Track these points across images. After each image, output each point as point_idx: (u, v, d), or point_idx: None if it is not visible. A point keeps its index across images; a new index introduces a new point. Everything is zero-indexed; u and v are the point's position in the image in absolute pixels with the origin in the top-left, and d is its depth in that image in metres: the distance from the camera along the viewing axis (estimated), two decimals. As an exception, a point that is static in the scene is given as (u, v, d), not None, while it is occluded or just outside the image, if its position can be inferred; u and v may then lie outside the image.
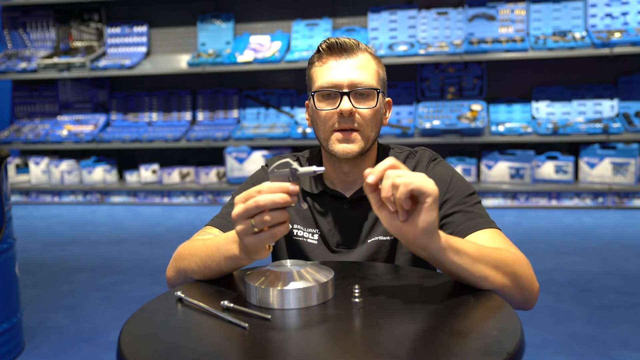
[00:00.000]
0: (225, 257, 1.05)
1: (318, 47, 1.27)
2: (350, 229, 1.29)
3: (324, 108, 1.24)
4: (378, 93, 1.24)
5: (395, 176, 0.91)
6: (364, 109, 1.23)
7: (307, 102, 1.32)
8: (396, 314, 0.91)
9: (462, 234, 1.16)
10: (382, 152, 1.35)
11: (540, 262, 3.45)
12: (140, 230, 4.58)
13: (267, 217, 0.93)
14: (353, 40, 1.26)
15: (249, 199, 0.94)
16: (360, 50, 1.25)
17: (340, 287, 1.01)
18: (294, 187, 0.93)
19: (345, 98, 1.22)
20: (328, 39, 1.26)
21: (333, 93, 1.23)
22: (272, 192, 0.93)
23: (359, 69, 1.23)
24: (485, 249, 1.02)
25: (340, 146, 1.23)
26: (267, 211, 0.94)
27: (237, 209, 0.96)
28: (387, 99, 1.32)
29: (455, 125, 4.98)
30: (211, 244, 1.10)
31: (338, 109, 1.22)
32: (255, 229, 0.95)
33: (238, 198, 0.96)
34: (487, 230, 1.16)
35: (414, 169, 1.30)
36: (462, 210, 1.20)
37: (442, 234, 0.96)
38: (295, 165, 0.93)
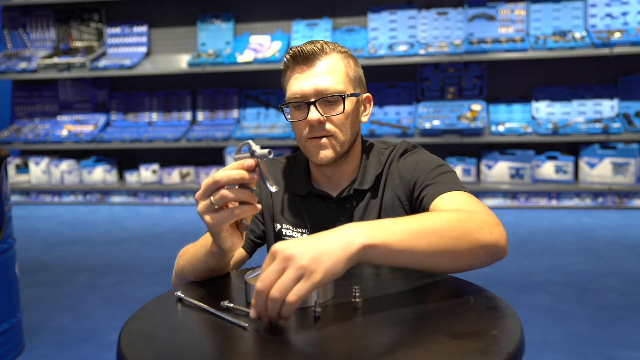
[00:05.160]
0: (206, 252, 1.07)
1: (284, 57, 1.27)
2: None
3: (296, 118, 1.25)
4: (343, 98, 1.22)
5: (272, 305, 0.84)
6: (334, 115, 1.23)
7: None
8: (396, 314, 0.91)
9: (427, 205, 1.17)
10: (367, 150, 1.35)
11: (540, 262, 3.46)
12: (140, 230, 4.58)
13: (225, 192, 0.94)
14: (317, 45, 1.23)
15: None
16: (325, 54, 1.23)
17: (340, 287, 1.01)
18: (249, 162, 0.94)
19: (312, 108, 1.21)
20: (291, 48, 1.24)
21: (301, 103, 1.23)
22: (231, 169, 0.94)
23: (325, 75, 1.22)
24: (421, 229, 0.93)
25: (315, 153, 1.24)
26: (226, 188, 0.94)
27: (200, 190, 0.97)
28: (365, 95, 1.31)
29: (455, 125, 4.98)
30: (198, 243, 1.13)
31: (306, 120, 1.22)
32: (215, 206, 0.95)
33: (204, 181, 0.97)
34: (448, 193, 1.15)
35: (390, 164, 1.31)
36: (427, 185, 1.21)
37: (364, 239, 0.88)
38: (254, 147, 0.94)
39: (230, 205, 0.96)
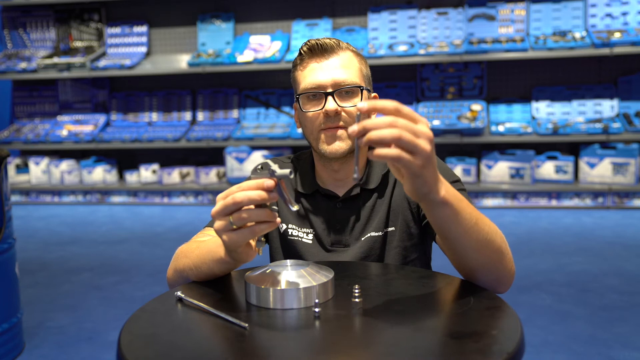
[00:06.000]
0: (213, 259, 1.06)
1: (300, 50, 1.28)
2: (344, 227, 1.30)
3: (310, 109, 1.25)
4: (362, 90, 1.25)
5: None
6: (349, 107, 1.24)
7: (294, 104, 1.33)
8: (396, 314, 0.91)
9: None
10: (372, 148, 1.35)
11: (540, 262, 3.45)
12: (140, 230, 4.58)
13: (245, 215, 0.94)
14: (334, 40, 1.27)
15: (228, 196, 0.95)
16: (341, 49, 1.26)
17: (340, 287, 1.01)
18: (269, 183, 0.93)
19: (329, 98, 1.23)
20: (309, 40, 1.27)
21: (318, 94, 1.24)
22: (250, 189, 0.94)
23: (342, 68, 1.24)
24: (482, 220, 1.00)
25: (328, 145, 1.25)
26: (245, 208, 0.94)
27: (217, 206, 0.96)
28: (373, 94, 1.33)
29: (455, 125, 4.98)
30: (204, 247, 1.12)
31: (323, 110, 1.23)
32: (234, 226, 0.95)
33: (219, 196, 0.97)
34: None
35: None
36: None
37: (445, 193, 0.91)
38: (273, 166, 0.94)
39: (248, 224, 0.96)
